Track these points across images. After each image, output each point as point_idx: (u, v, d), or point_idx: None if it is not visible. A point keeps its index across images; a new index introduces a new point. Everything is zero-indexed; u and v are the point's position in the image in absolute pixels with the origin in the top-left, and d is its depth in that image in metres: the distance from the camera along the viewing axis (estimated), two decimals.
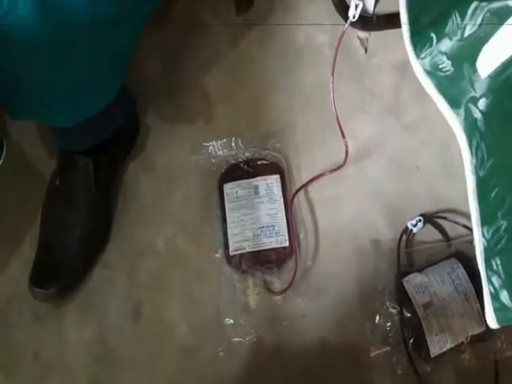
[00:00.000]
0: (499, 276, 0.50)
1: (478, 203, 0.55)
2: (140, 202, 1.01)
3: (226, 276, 0.92)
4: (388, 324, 0.83)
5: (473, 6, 0.52)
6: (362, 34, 1.06)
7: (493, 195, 0.53)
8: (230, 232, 0.95)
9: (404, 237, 0.90)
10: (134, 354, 0.91)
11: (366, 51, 1.06)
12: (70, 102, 0.79)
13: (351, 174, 0.96)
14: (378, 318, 0.84)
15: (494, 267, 0.51)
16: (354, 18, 0.83)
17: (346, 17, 0.85)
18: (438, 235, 0.91)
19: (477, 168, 0.56)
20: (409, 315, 0.82)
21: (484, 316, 0.80)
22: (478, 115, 0.55)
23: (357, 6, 0.83)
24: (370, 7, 0.97)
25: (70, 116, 0.83)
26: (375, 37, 1.03)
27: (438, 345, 0.79)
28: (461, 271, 0.81)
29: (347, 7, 0.86)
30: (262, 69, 1.08)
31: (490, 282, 0.51)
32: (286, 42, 1.09)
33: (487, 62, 0.52)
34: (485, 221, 0.53)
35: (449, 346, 0.80)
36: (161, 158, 1.03)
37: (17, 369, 0.94)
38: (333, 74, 0.85)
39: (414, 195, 0.93)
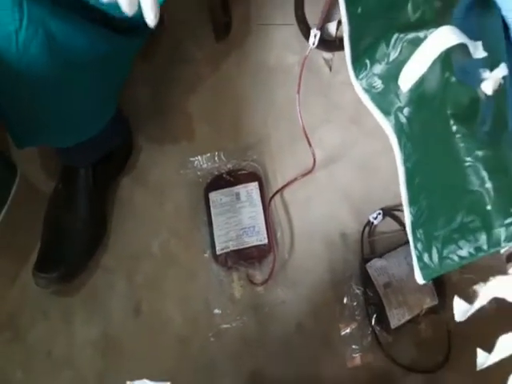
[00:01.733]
0: (422, 242, 0.63)
1: (406, 188, 0.67)
2: (135, 212, 1.11)
3: (213, 272, 1.03)
4: (354, 304, 0.96)
5: (394, 36, 0.65)
6: (327, 55, 1.18)
7: (416, 182, 0.66)
8: (216, 234, 1.06)
9: (367, 229, 1.02)
10: (136, 347, 1.01)
11: (330, 69, 1.19)
12: (73, 126, 0.90)
13: (320, 177, 1.08)
14: (345, 299, 0.96)
15: (418, 236, 0.63)
16: (313, 44, 0.96)
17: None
18: (396, 226, 1.03)
19: (405, 161, 0.68)
20: (371, 294, 0.94)
21: (436, 290, 0.94)
22: (404, 121, 0.67)
23: (315, 35, 0.96)
24: (333, 32, 1.11)
25: (73, 138, 0.94)
26: (339, 56, 1.14)
27: (396, 317, 0.92)
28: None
29: (309, 28, 1.01)
30: (239, 89, 1.19)
31: (415, 247, 0.64)
32: (260, 63, 1.21)
33: (406, 80, 0.65)
34: (411, 201, 0.66)
35: (406, 318, 0.91)
36: (152, 173, 1.14)
37: (32, 366, 1.04)
38: (299, 92, 0.97)
39: (375, 193, 1.04)
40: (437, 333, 0.94)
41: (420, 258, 0.63)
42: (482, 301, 0.55)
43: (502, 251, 0.57)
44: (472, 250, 0.56)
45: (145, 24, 0.63)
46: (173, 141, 1.17)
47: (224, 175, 1.12)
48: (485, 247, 0.55)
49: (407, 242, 0.97)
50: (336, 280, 1.01)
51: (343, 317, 0.96)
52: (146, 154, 1.16)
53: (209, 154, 1.13)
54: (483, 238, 0.55)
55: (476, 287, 0.56)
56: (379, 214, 1.02)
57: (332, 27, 1.10)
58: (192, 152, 1.14)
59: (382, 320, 0.93)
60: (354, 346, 0.94)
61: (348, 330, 0.95)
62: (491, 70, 0.57)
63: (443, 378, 0.92)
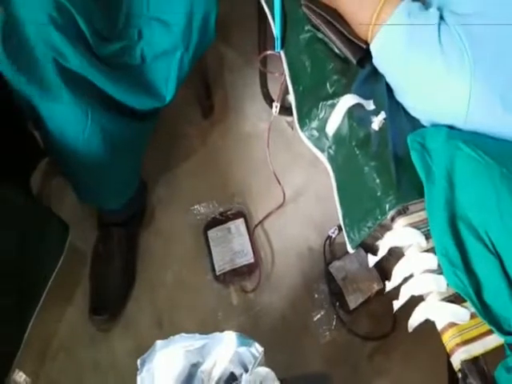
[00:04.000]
0: (349, 226, 0.84)
1: (338, 196, 0.90)
2: (152, 253, 1.37)
3: (215, 288, 1.29)
4: (322, 296, 1.21)
5: (321, 104, 0.89)
6: (289, 118, 1.50)
7: (342, 191, 0.92)
8: (215, 260, 1.32)
9: (327, 241, 1.30)
10: None
11: (292, 129, 1.49)
12: (118, 190, 1.18)
13: (290, 209, 1.36)
14: (315, 294, 1.23)
15: (347, 223, 0.85)
16: (276, 113, 1.21)
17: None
18: None
19: (336, 180, 0.95)
20: (334, 287, 1.20)
21: (380, 277, 1.19)
22: (332, 154, 0.90)
23: (276, 106, 1.21)
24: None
25: (118, 200, 1.21)
26: None
27: (353, 301, 1.17)
28: (362, 252, 1.22)
29: (273, 101, 1.30)
30: (224, 153, 1.47)
31: (346, 231, 0.84)
32: (239, 131, 1.50)
33: (330, 128, 0.88)
34: (341, 204, 0.91)
35: (361, 300, 1.16)
36: (162, 222, 1.40)
37: (82, 377, 1.25)
38: (268, 147, 1.22)
39: (332, 215, 1.25)
40: (385, 309, 1.18)
41: (349, 236, 0.86)
42: (382, 251, 0.78)
43: (388, 217, 0.82)
44: (373, 221, 0.79)
45: (156, 112, 0.94)
46: (176, 196, 1.44)
47: (217, 216, 1.39)
48: (379, 217, 0.78)
49: (357, 247, 1.25)
50: (307, 281, 1.27)
51: (314, 307, 1.22)
52: (156, 209, 1.43)
53: (204, 203, 1.41)
54: (377, 211, 0.78)
55: (378, 242, 0.82)
56: (336, 229, 1.29)
57: (290, 98, 1.42)
58: (192, 202, 1.41)
59: (343, 305, 1.19)
60: (324, 327, 1.19)
61: (319, 316, 1.21)
62: (377, 115, 0.82)
63: (391, 342, 1.17)
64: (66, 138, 0.97)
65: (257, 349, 0.85)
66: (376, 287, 1.19)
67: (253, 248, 1.33)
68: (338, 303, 1.21)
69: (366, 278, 1.19)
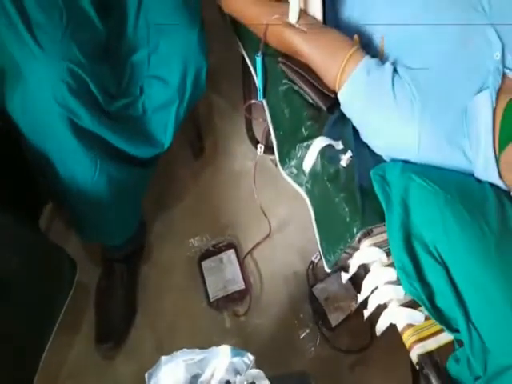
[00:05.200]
0: (326, 250, 0.97)
1: (316, 226, 1.04)
2: (151, 284, 1.45)
3: (210, 314, 1.39)
4: (307, 316, 1.33)
5: (298, 145, 1.02)
6: (272, 157, 1.64)
7: (319, 221, 1.05)
8: (209, 288, 1.43)
9: (311, 266, 1.42)
10: None
11: (276, 166, 1.63)
12: (120, 227, 1.27)
13: (276, 238, 1.48)
14: (301, 315, 1.35)
15: (324, 246, 0.98)
16: (260, 153, 1.33)
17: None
18: None
19: (314, 211, 1.08)
20: (317, 307, 1.33)
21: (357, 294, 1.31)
22: (309, 188, 1.02)
23: (261, 147, 1.33)
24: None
25: (121, 236, 1.30)
26: None
27: (335, 319, 1.29)
28: (343, 275, 1.34)
29: (258, 142, 1.42)
30: (215, 190, 1.60)
31: (325, 255, 0.96)
32: (229, 171, 1.63)
33: (306, 165, 1.01)
34: (319, 231, 1.05)
35: (341, 318, 1.29)
36: (160, 256, 1.49)
37: None
38: (255, 183, 1.35)
39: (314, 243, 1.38)
40: (363, 324, 1.29)
41: (326, 257, 0.99)
42: (353, 268, 0.92)
43: (356, 239, 0.94)
44: (344, 243, 0.92)
45: (156, 158, 1.07)
46: (172, 232, 1.55)
47: (210, 248, 1.50)
48: (349, 240, 0.91)
49: (336, 271, 1.38)
50: (293, 303, 1.38)
51: (300, 326, 1.33)
52: (154, 244, 1.54)
53: (198, 237, 1.52)
54: (347, 235, 0.91)
55: (349, 261, 0.95)
56: (317, 255, 1.42)
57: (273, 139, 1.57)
58: (186, 237, 1.52)
59: (326, 323, 1.31)
60: (309, 344, 1.30)
61: (304, 334, 1.32)
62: (345, 153, 0.95)
63: (370, 354, 1.28)
64: (76, 185, 1.07)
65: (248, 357, 0.96)
66: (355, 305, 1.31)
67: (243, 275, 1.45)
68: (321, 322, 1.33)
69: (345, 298, 1.32)
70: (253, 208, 1.48)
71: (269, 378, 0.82)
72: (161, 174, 1.57)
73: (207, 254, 1.50)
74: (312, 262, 1.44)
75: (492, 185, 0.88)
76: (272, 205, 1.52)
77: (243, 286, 1.44)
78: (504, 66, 0.90)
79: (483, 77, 0.89)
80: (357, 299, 1.29)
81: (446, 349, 0.80)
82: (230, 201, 1.60)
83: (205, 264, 1.49)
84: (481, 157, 0.87)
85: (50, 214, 1.44)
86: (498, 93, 0.87)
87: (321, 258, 1.39)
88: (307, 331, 1.33)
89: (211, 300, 1.43)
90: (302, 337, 1.33)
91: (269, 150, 1.37)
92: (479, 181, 0.89)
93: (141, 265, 1.50)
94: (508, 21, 0.93)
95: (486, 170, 0.87)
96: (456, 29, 0.93)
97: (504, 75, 0.89)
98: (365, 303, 1.25)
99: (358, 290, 1.26)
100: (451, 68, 0.92)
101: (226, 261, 1.49)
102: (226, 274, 1.47)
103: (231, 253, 1.50)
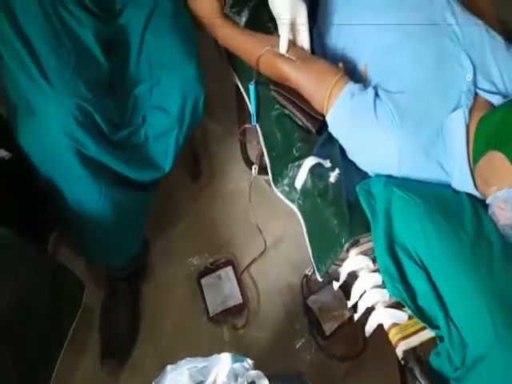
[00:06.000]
0: (319, 260, 1.03)
1: (308, 239, 1.11)
2: (153, 302, 1.50)
3: (210, 328, 1.45)
4: (302, 326, 1.40)
5: (290, 165, 1.09)
6: (266, 177, 1.70)
7: (312, 234, 1.13)
8: (208, 304, 1.48)
9: (305, 279, 1.50)
10: None
11: (269, 185, 1.70)
12: (125, 247, 1.33)
13: (271, 254, 1.55)
14: (296, 325, 1.42)
15: (316, 256, 1.06)
16: (255, 174, 1.39)
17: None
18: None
19: (306, 225, 1.16)
20: (311, 317, 1.40)
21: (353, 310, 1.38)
22: (301, 204, 1.10)
23: (255, 168, 1.39)
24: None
25: (124, 257, 1.35)
26: None
27: (329, 328, 1.35)
28: (335, 283, 1.42)
29: (252, 164, 1.52)
30: (213, 210, 1.67)
31: (317, 265, 1.03)
32: (225, 192, 1.70)
33: (298, 183, 1.08)
34: (311, 246, 1.12)
35: (335, 326, 1.35)
36: (161, 276, 1.55)
37: None
38: (250, 201, 1.42)
39: (307, 257, 1.44)
40: (356, 331, 1.37)
41: (317, 267, 1.06)
42: (343, 276, 0.98)
43: (345, 248, 1.01)
44: (334, 252, 0.99)
45: (157, 181, 1.16)
46: (172, 252, 1.61)
47: (209, 266, 1.57)
48: (338, 249, 0.98)
49: (329, 283, 1.46)
50: (289, 315, 1.45)
51: (296, 336, 1.39)
52: (155, 264, 1.59)
53: (197, 256, 1.59)
54: (337, 245, 0.98)
55: (339, 270, 1.01)
56: (311, 268, 1.50)
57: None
58: (186, 256, 1.59)
59: (320, 332, 1.37)
60: (305, 353, 1.37)
61: (300, 344, 1.38)
62: (333, 171, 1.03)
63: (363, 360, 1.35)
64: (83, 209, 1.14)
65: (248, 362, 1.02)
66: (347, 314, 1.38)
67: (241, 290, 1.51)
68: (315, 331, 1.39)
69: (338, 307, 1.39)
70: (248, 226, 1.55)
71: (267, 377, 0.89)
72: (161, 198, 1.61)
73: (206, 272, 1.56)
74: (306, 276, 1.50)
75: (468, 194, 0.96)
76: (267, 222, 1.59)
77: (241, 301, 1.50)
78: (476, 87, 0.98)
79: (457, 97, 0.97)
80: (350, 309, 1.37)
81: (428, 344, 0.86)
82: (227, 220, 1.67)
83: (204, 281, 1.55)
84: (457, 169, 0.95)
85: (54, 243, 1.49)
86: (471, 111, 0.96)
87: (314, 271, 1.47)
88: (303, 341, 1.39)
89: (211, 315, 1.48)
90: (297, 346, 1.39)
91: (263, 170, 1.44)
92: (456, 191, 0.97)
93: (143, 284, 1.56)
94: (478, 47, 1.03)
95: (462, 181, 0.95)
96: (432, 55, 1.02)
97: (476, 95, 0.98)
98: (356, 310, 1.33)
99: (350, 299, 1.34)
100: (428, 90, 1.00)
101: (224, 277, 1.55)
102: (224, 289, 1.53)
103: (229, 269, 1.56)
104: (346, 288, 1.06)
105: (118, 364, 1.42)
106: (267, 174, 1.56)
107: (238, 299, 1.51)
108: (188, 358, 1.07)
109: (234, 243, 1.62)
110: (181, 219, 1.68)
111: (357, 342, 1.39)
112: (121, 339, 1.44)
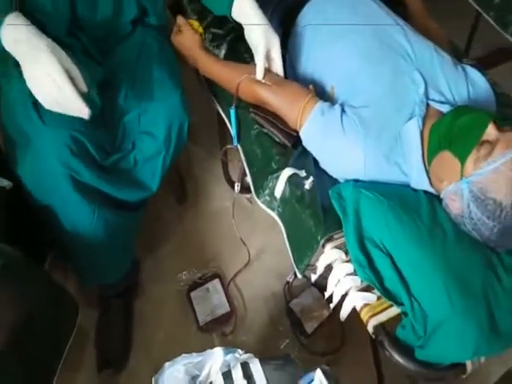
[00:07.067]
0: (298, 261, 1.14)
1: (288, 242, 1.24)
2: (145, 317, 1.59)
3: (200, 337, 1.54)
4: (286, 328, 1.52)
5: (269, 177, 1.20)
6: (247, 195, 1.79)
7: (291, 238, 1.26)
8: (198, 315, 1.58)
9: (287, 285, 1.62)
10: None
11: (251, 203, 1.80)
12: (118, 265, 1.43)
13: (255, 264, 1.66)
14: (280, 327, 1.53)
15: (296, 258, 1.15)
16: (237, 192, 1.52)
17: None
18: (303, 280, 1.63)
19: (286, 231, 1.28)
20: (294, 319, 1.52)
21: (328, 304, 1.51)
22: (281, 211, 1.21)
23: (237, 186, 1.53)
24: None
25: (119, 273, 1.44)
26: None
27: (310, 327, 1.46)
28: (314, 289, 1.55)
29: (234, 183, 1.62)
30: (199, 229, 1.78)
31: (297, 265, 1.14)
32: (209, 211, 1.82)
33: (277, 192, 1.19)
34: (291, 249, 1.23)
35: (315, 325, 1.46)
36: (153, 292, 1.64)
37: None
38: (234, 217, 1.53)
39: (288, 265, 1.55)
40: (335, 328, 1.49)
41: (297, 265, 1.17)
42: (320, 269, 1.09)
43: (320, 244, 1.11)
44: (311, 249, 1.10)
45: (145, 201, 1.27)
46: (162, 269, 1.71)
47: (197, 280, 1.67)
48: (315, 246, 1.09)
49: (309, 287, 1.59)
50: (273, 318, 1.55)
51: (281, 337, 1.50)
52: (146, 282, 1.69)
53: (186, 272, 1.69)
54: (313, 242, 1.09)
55: (316, 263, 1.11)
56: (292, 275, 1.62)
57: (247, 179, 1.79)
58: (175, 272, 1.69)
59: (303, 331, 1.48)
60: (290, 352, 1.49)
61: (285, 344, 1.49)
62: (308, 179, 1.15)
63: (343, 354, 1.47)
64: (77, 230, 1.21)
65: (239, 352, 1.14)
66: (326, 313, 1.49)
67: (228, 300, 1.62)
68: (298, 331, 1.50)
69: (318, 308, 1.50)
70: (233, 241, 1.67)
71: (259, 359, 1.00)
72: (149, 220, 1.72)
73: (195, 286, 1.67)
74: (287, 282, 1.62)
75: (425, 192, 1.09)
76: (249, 236, 1.70)
77: (229, 309, 1.60)
78: (427, 98, 1.13)
79: (411, 108, 1.11)
80: (328, 307, 1.50)
81: (395, 320, 0.98)
82: (212, 236, 1.79)
83: (193, 294, 1.65)
84: (414, 171, 1.09)
85: (48, 267, 1.56)
86: (424, 119, 1.09)
87: (295, 277, 1.61)
88: (287, 341, 1.50)
89: (200, 324, 1.58)
90: (282, 346, 1.50)
91: (244, 189, 1.59)
92: (414, 190, 1.10)
93: (135, 300, 1.64)
94: (428, 64, 1.17)
95: (419, 180, 1.08)
96: (389, 74, 1.16)
97: (428, 105, 1.12)
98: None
99: (328, 300, 1.47)
100: (386, 103, 1.13)
101: (211, 289, 1.66)
102: (212, 300, 1.63)
103: (216, 282, 1.67)
104: (324, 289, 1.18)
105: (113, 374, 1.49)
106: (248, 192, 1.69)
107: (226, 308, 1.61)
108: (184, 355, 1.16)
109: (220, 257, 1.73)
110: (168, 239, 1.79)
111: (336, 338, 1.50)
112: (115, 350, 1.52)
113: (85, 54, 1.25)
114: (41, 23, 1.07)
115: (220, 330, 1.57)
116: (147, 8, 1.33)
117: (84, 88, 1.01)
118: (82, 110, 1.00)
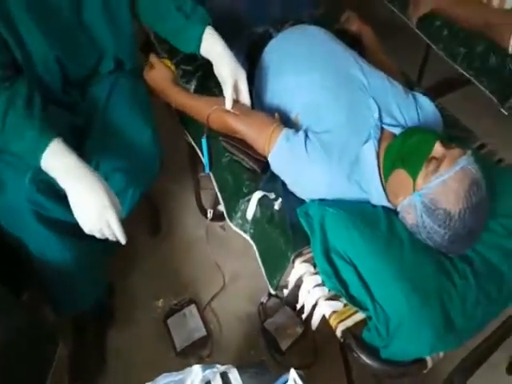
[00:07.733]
0: (270, 277, 1.26)
1: (261, 261, 1.30)
2: (122, 345, 1.62)
3: (178, 362, 1.58)
4: (261, 347, 1.59)
5: (241, 201, 1.27)
6: (220, 223, 1.85)
7: (263, 256, 1.35)
8: (175, 340, 1.61)
9: (261, 306, 1.68)
10: None
11: (224, 229, 1.85)
12: (93, 291, 1.46)
13: (230, 289, 1.72)
14: (255, 347, 1.58)
15: (269, 274, 1.25)
16: (209, 220, 1.58)
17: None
18: (277, 301, 1.70)
19: (259, 251, 1.37)
20: (269, 338, 1.58)
21: (301, 322, 1.58)
22: (253, 233, 1.27)
23: (210, 212, 1.58)
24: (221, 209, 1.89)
25: (92, 298, 1.47)
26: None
27: (285, 344, 1.52)
28: (288, 308, 1.62)
29: (206, 211, 1.73)
30: (174, 258, 1.84)
31: (270, 281, 1.22)
32: (183, 239, 1.89)
33: (249, 215, 1.27)
34: (262, 262, 1.35)
35: (289, 342, 1.53)
36: (128, 319, 1.68)
37: None
38: (208, 243, 1.62)
39: (262, 287, 1.60)
40: (308, 344, 1.56)
41: (270, 282, 1.24)
42: (291, 284, 1.16)
43: (291, 260, 1.20)
44: (283, 266, 1.18)
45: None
46: (138, 297, 1.76)
47: (173, 307, 1.71)
48: (286, 263, 1.17)
49: (282, 306, 1.66)
50: (249, 339, 1.60)
51: (256, 356, 1.56)
52: (122, 310, 1.73)
53: (162, 299, 1.74)
54: (284, 259, 1.17)
55: (288, 279, 1.19)
56: (266, 296, 1.69)
57: (219, 207, 1.87)
58: (151, 300, 1.74)
59: (277, 349, 1.55)
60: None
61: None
62: (277, 200, 1.24)
63: (316, 369, 1.53)
64: (46, 261, 1.26)
65: (217, 367, 1.19)
66: (300, 330, 1.56)
67: (204, 324, 1.67)
68: (273, 349, 1.56)
69: (291, 326, 1.56)
70: (208, 266, 1.76)
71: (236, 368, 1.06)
72: (124, 251, 1.70)
73: (171, 312, 1.71)
74: (261, 303, 1.69)
75: (384, 207, 1.19)
76: (224, 262, 1.78)
77: (205, 333, 1.65)
78: (381, 122, 1.24)
79: (368, 131, 1.22)
80: (301, 324, 1.58)
81: (361, 324, 1.06)
82: (188, 263, 1.85)
83: (170, 321, 1.69)
84: (373, 188, 1.18)
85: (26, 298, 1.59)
86: (380, 141, 1.20)
87: (269, 298, 1.69)
88: (263, 358, 1.56)
89: (178, 350, 1.62)
90: None
91: (217, 217, 1.67)
92: (374, 206, 1.20)
93: (111, 328, 1.68)
94: (381, 93, 1.29)
95: (377, 196, 1.17)
96: (347, 102, 1.27)
97: (382, 129, 1.23)
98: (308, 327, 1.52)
99: (300, 312, 1.54)
100: (345, 128, 1.23)
101: (188, 315, 1.70)
102: (189, 325, 1.67)
103: (192, 307, 1.72)
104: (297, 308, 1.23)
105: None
106: (221, 220, 1.77)
107: (202, 332, 1.65)
108: (164, 374, 1.21)
109: (196, 283, 1.79)
110: (143, 267, 1.84)
111: (309, 354, 1.56)
112: (90, 376, 1.57)
113: (57, 105, 1.31)
114: (42, 88, 1.19)
115: (197, 355, 1.61)
116: (123, 60, 1.42)
117: (122, 216, 1.14)
118: (121, 239, 1.14)
